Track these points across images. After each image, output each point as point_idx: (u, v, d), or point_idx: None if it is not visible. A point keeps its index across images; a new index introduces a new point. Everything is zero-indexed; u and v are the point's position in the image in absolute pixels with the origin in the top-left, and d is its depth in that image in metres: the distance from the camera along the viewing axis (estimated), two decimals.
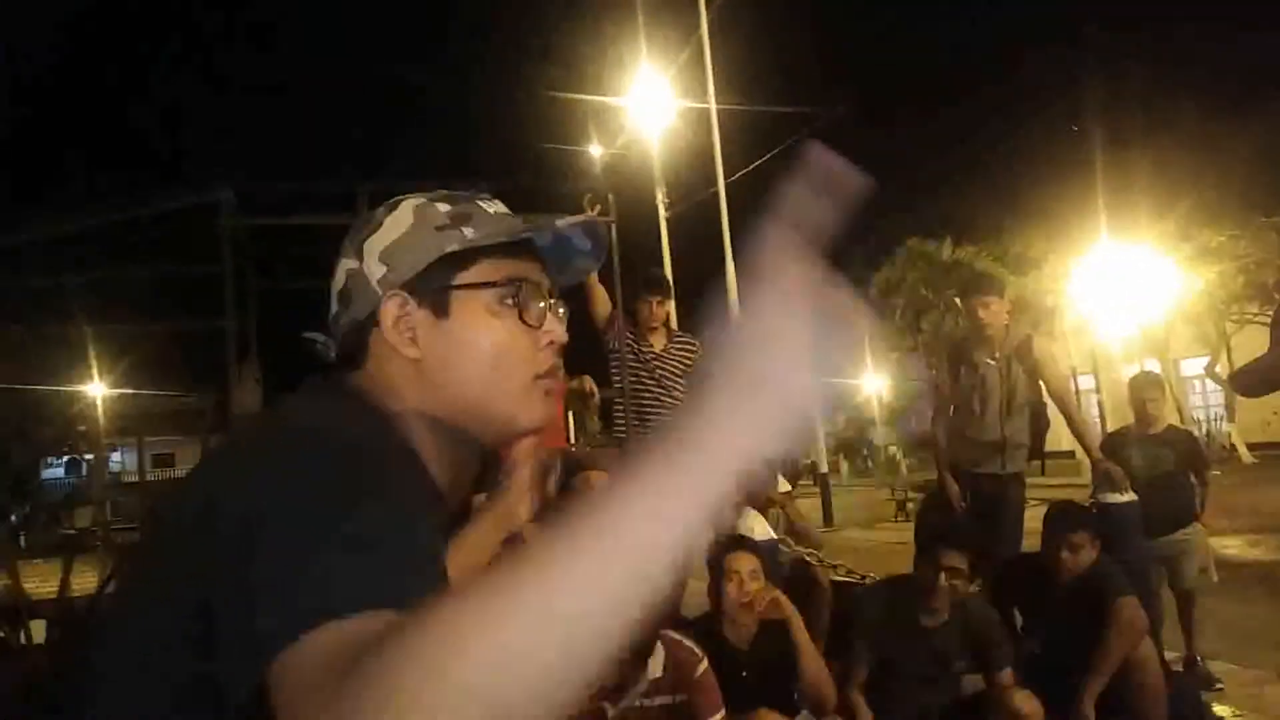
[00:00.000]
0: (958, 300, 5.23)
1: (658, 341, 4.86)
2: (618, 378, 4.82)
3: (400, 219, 0.94)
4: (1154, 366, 26.57)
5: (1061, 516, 3.76)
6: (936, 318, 20.61)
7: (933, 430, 4.86)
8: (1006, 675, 3.29)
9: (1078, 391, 28.04)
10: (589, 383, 5.50)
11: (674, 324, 5.26)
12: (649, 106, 12.88)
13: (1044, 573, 3.73)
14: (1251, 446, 21.41)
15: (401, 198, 0.96)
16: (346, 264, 0.94)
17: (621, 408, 4.69)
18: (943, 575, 3.29)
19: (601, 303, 4.86)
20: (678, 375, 4.83)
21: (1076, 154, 16.73)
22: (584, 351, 5.12)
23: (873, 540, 11.72)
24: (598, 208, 4.73)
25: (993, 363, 4.60)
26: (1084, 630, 3.49)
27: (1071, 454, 18.94)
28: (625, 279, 4.95)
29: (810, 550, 4.69)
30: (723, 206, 8.54)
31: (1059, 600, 3.65)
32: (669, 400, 4.80)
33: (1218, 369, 22.73)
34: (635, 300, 4.86)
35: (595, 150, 16.83)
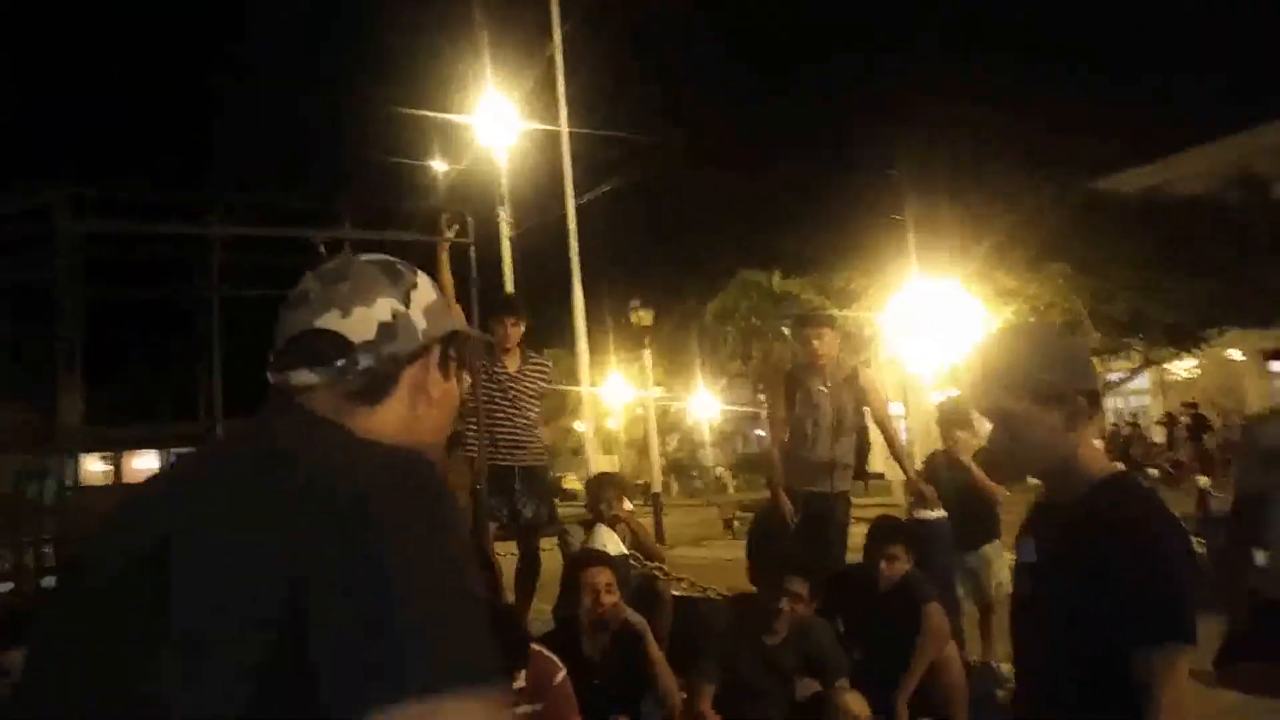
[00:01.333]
0: (786, 330, 5.62)
1: (511, 363, 4.96)
2: (470, 398, 4.89)
3: (426, 285, 1.14)
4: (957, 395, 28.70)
5: (882, 530, 4.14)
6: (765, 345, 21.53)
7: (769, 452, 5.18)
8: (843, 685, 3.58)
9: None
10: None
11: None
12: (496, 126, 12.95)
13: (865, 584, 4.09)
14: None
15: (413, 267, 1.15)
16: (391, 304, 1.08)
17: (474, 427, 4.76)
18: (785, 600, 3.56)
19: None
20: (531, 395, 4.95)
21: (892, 197, 18.01)
22: None
23: (705, 556, 12.10)
24: (455, 228, 4.78)
25: (825, 390, 4.97)
26: (899, 636, 3.86)
27: (881, 475, 20.26)
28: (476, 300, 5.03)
29: (656, 565, 4.90)
30: (571, 228, 8.71)
31: (878, 609, 4.01)
32: (521, 420, 4.91)
33: None
34: (489, 321, 4.94)
35: (440, 167, 16.71)
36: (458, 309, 4.92)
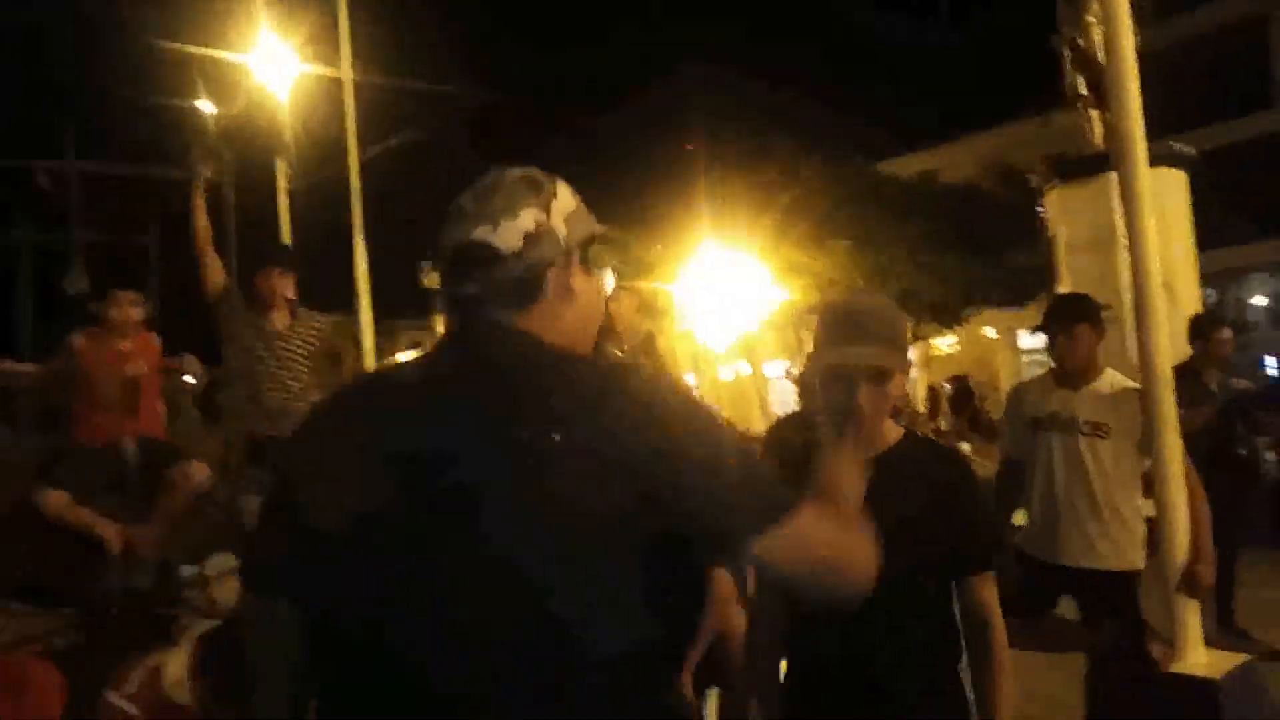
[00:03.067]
0: None
1: (280, 319, 4.48)
2: (235, 358, 4.38)
3: (566, 194, 1.26)
4: (745, 368, 29.87)
5: None
6: None
7: None
8: None
9: None
10: (189, 362, 4.91)
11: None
12: (274, 69, 11.91)
13: None
14: None
15: (553, 176, 1.26)
16: (534, 214, 1.20)
17: (232, 389, 4.26)
18: None
19: (215, 273, 4.39)
20: (301, 356, 4.49)
21: (687, 169, 18.28)
22: (192, 328, 4.60)
23: None
24: (208, 166, 4.30)
25: (620, 355, 4.82)
26: None
27: None
28: (245, 251, 4.51)
29: None
30: (354, 183, 8.10)
31: None
32: (291, 382, 4.45)
33: (793, 370, 26.08)
34: (255, 273, 4.44)
35: (208, 109, 15.26)
36: (216, 259, 4.40)
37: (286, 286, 4.48)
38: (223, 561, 4.03)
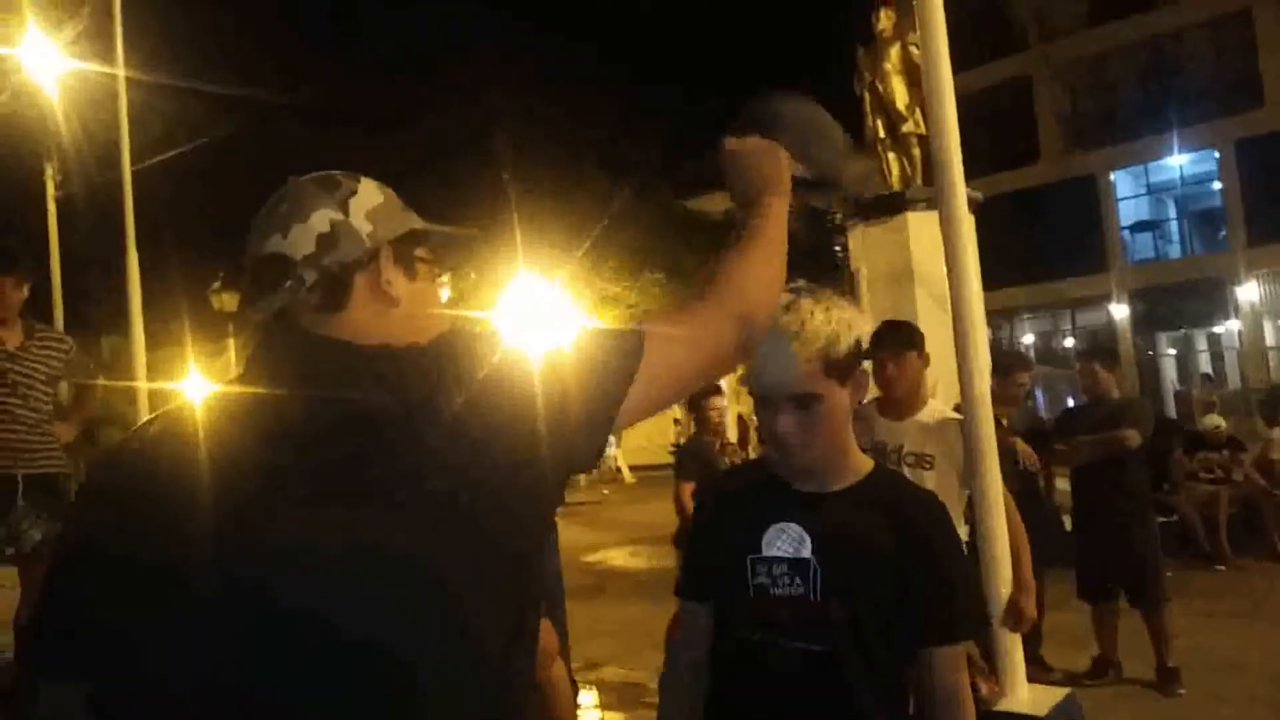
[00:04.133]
0: None
1: (10, 336, 3.80)
2: None
3: (371, 190, 1.15)
4: None
5: None
6: None
7: None
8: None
9: None
10: None
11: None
12: (41, 62, 10.69)
13: None
14: (634, 468, 24.94)
15: (355, 175, 1.16)
16: (329, 215, 1.11)
17: None
18: None
19: None
20: (38, 379, 3.81)
21: (498, 196, 17.97)
22: None
23: None
24: None
25: None
26: None
27: None
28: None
29: None
30: (127, 189, 7.27)
31: None
32: (25, 414, 3.76)
33: None
34: None
35: None
36: None
37: (18, 299, 3.81)
38: None
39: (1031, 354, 24.91)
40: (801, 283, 1.58)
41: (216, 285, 15.33)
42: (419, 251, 1.17)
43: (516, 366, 1.09)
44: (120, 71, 7.19)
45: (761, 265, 1.29)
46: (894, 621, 1.48)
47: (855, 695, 1.45)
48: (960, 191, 3.25)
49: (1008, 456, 4.88)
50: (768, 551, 1.55)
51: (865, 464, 1.64)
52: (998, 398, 5.20)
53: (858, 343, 1.58)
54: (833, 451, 1.59)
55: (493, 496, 1.02)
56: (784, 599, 1.52)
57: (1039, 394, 17.68)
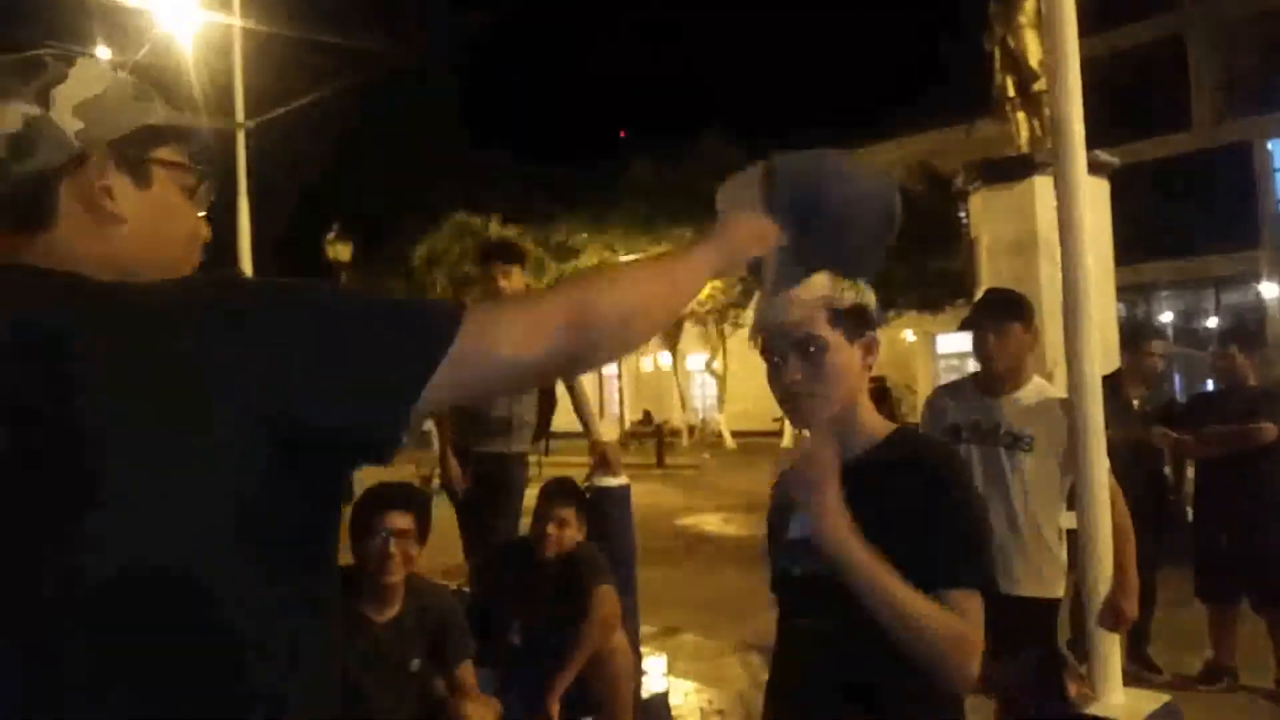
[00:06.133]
0: (478, 268, 4.88)
1: None
2: None
3: (88, 76, 0.94)
4: (667, 360, 29.64)
5: (553, 490, 3.59)
6: (477, 293, 20.77)
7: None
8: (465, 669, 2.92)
9: (601, 377, 30.29)
10: None
11: None
12: (171, 12, 11.08)
13: (530, 556, 3.55)
14: (736, 434, 24.73)
15: (74, 52, 0.96)
16: (22, 108, 0.90)
17: None
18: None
19: None
20: None
21: (619, 153, 17.86)
22: None
23: None
24: None
25: None
26: (561, 620, 3.36)
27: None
28: None
29: None
30: (240, 145, 7.45)
31: (542, 586, 3.49)
32: None
33: (714, 365, 25.97)
34: None
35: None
36: None
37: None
38: None
39: (1169, 334, 23.39)
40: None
41: (332, 234, 15.76)
42: (160, 153, 0.97)
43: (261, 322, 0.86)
44: (236, 21, 7.33)
45: (629, 289, 1.07)
46: (911, 572, 1.40)
47: (869, 670, 1.44)
48: (1080, 154, 2.94)
49: (1138, 453, 4.50)
50: (790, 534, 1.57)
51: (883, 428, 1.57)
52: (1130, 373, 4.80)
53: (865, 306, 1.52)
54: (846, 414, 1.52)
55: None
56: (802, 578, 1.53)
57: (1176, 377, 16.57)
